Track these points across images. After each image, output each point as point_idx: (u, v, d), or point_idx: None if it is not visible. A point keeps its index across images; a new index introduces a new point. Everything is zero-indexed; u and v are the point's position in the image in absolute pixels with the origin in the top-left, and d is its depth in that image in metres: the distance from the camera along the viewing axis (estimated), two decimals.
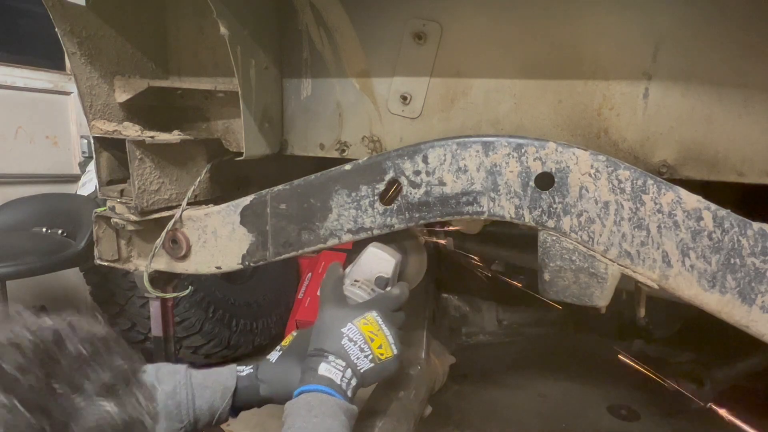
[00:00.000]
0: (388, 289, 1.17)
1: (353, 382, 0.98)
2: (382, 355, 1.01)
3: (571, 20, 1.14)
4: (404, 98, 1.29)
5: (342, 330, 1.01)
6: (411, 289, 1.18)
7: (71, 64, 1.28)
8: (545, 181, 0.98)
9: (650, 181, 0.92)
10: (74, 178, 3.79)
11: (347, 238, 1.15)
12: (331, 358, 0.98)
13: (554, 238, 0.98)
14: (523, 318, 2.45)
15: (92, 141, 1.34)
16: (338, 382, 0.96)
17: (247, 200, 1.24)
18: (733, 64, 1.04)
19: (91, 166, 3.21)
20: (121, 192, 1.31)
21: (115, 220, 1.33)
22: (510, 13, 1.18)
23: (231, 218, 1.26)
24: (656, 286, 0.93)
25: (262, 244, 1.24)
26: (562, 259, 0.98)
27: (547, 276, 1.00)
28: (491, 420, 2.56)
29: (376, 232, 1.12)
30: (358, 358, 0.99)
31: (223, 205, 1.28)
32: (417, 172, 1.06)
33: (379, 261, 1.20)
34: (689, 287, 0.91)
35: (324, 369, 0.97)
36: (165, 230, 1.30)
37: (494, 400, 2.73)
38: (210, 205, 1.32)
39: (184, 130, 1.43)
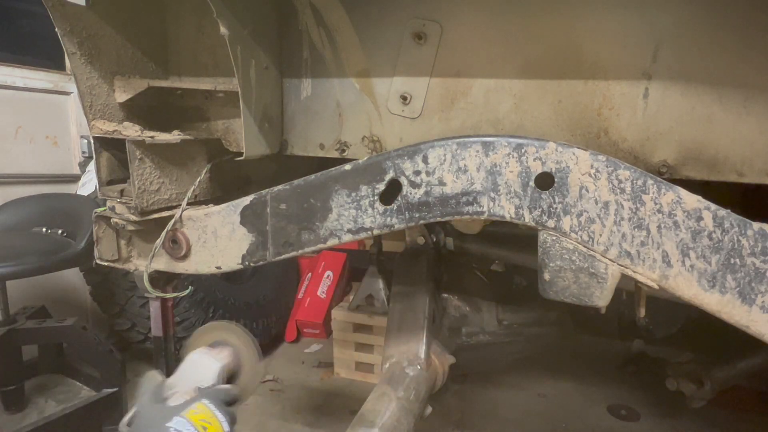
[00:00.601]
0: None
1: None
2: None
3: (571, 20, 1.14)
4: (404, 98, 1.29)
5: (168, 425, 0.91)
6: (244, 396, 1.13)
7: (71, 64, 1.28)
8: (545, 181, 0.98)
9: (650, 181, 0.92)
10: (74, 178, 3.79)
11: (347, 238, 1.15)
12: None
13: (554, 238, 0.98)
14: (523, 318, 2.45)
15: (92, 141, 1.34)
16: None
17: (247, 200, 1.24)
18: (733, 64, 1.04)
19: (91, 166, 3.21)
20: (121, 192, 1.31)
21: (115, 220, 1.33)
22: (510, 13, 1.18)
23: (231, 218, 1.26)
24: (656, 286, 0.93)
25: (262, 244, 1.24)
26: (562, 259, 0.98)
27: (547, 276, 1.00)
28: (491, 420, 2.56)
29: (376, 231, 1.12)
30: None
31: (223, 205, 1.28)
32: (417, 172, 1.06)
33: (198, 369, 1.12)
34: (689, 287, 0.91)
35: None
36: (165, 230, 1.30)
37: (494, 400, 2.73)
38: (210, 205, 1.32)
39: (184, 130, 1.43)
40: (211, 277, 2.86)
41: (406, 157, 1.07)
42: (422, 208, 1.07)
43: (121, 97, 1.37)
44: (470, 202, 1.03)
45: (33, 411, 2.56)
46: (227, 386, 1.07)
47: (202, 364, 1.12)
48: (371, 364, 2.97)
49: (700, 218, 0.90)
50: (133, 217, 1.29)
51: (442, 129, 1.28)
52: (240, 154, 1.29)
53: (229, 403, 1.03)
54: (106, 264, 1.42)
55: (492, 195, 1.01)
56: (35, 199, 3.21)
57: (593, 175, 0.94)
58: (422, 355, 1.57)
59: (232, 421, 0.98)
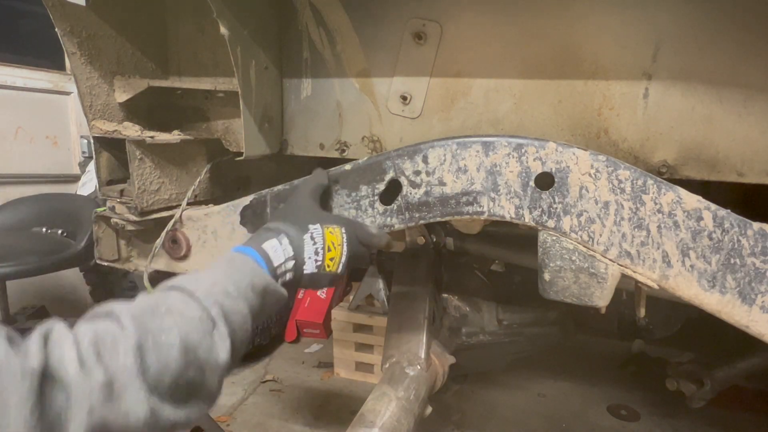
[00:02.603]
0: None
1: (288, 276, 0.94)
2: (328, 267, 0.99)
3: (571, 20, 1.14)
4: (404, 98, 1.29)
5: (309, 225, 0.98)
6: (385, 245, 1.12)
7: (71, 64, 1.28)
8: (545, 181, 0.98)
9: (650, 181, 0.92)
10: (74, 178, 3.79)
11: None
12: (284, 240, 0.94)
13: (554, 238, 0.98)
14: (523, 318, 2.45)
15: (92, 141, 1.34)
16: (275, 264, 0.91)
17: (246, 200, 1.24)
18: (733, 64, 1.04)
19: (91, 166, 3.21)
20: (121, 192, 1.31)
21: (115, 220, 1.33)
22: (510, 13, 1.18)
23: (231, 218, 1.26)
24: (656, 286, 0.94)
25: None
26: (562, 259, 0.98)
27: (547, 276, 1.00)
28: (491, 420, 2.56)
29: None
30: (309, 258, 0.96)
31: (223, 205, 1.28)
32: (417, 172, 1.06)
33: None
34: (689, 287, 0.91)
35: (270, 246, 0.93)
36: (165, 230, 1.30)
37: (494, 400, 2.73)
38: (210, 205, 1.32)
39: (184, 130, 1.43)
40: None
41: (406, 157, 1.07)
42: (422, 208, 1.07)
43: (121, 97, 1.37)
44: (470, 202, 1.03)
45: None
46: (379, 231, 1.08)
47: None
48: (371, 364, 2.97)
49: (700, 218, 0.90)
50: (133, 217, 1.29)
51: (442, 129, 1.28)
52: (240, 154, 1.29)
53: (364, 244, 1.05)
54: (106, 264, 1.42)
55: (492, 195, 1.01)
56: (35, 199, 3.21)
57: (593, 175, 0.94)
58: (422, 355, 1.57)
59: (349, 260, 1.01)
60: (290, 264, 0.94)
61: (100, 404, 0.59)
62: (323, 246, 0.97)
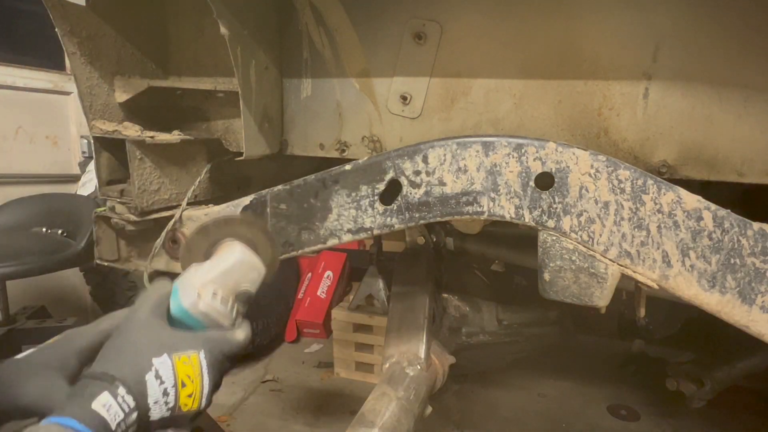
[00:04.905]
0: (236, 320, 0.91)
1: (131, 430, 0.74)
2: (185, 406, 0.80)
3: (571, 20, 1.14)
4: (404, 98, 1.29)
5: (154, 359, 0.77)
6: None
7: (71, 64, 1.28)
8: (545, 181, 0.98)
9: (650, 181, 0.92)
10: (74, 178, 3.79)
11: (347, 238, 1.15)
12: (120, 390, 0.73)
13: (554, 238, 0.98)
14: (523, 318, 2.45)
15: (92, 141, 1.34)
16: (113, 427, 0.71)
17: (247, 200, 1.24)
18: (733, 64, 1.04)
19: (91, 166, 3.22)
20: (121, 192, 1.31)
21: (115, 220, 1.33)
22: (510, 13, 1.18)
23: None
24: (656, 286, 0.93)
25: None
26: (562, 259, 0.98)
27: (547, 276, 1.00)
28: (491, 420, 2.56)
29: (376, 232, 1.12)
30: (155, 403, 0.77)
31: (223, 205, 1.28)
32: (417, 172, 1.06)
33: (249, 270, 0.93)
34: (689, 287, 0.91)
35: (102, 403, 0.71)
36: (165, 230, 1.30)
37: (494, 400, 2.73)
38: (210, 205, 1.32)
39: (184, 130, 1.43)
40: None
41: (406, 157, 1.07)
42: (422, 208, 1.07)
43: (121, 97, 1.37)
44: (470, 202, 1.03)
45: None
46: (240, 338, 0.87)
47: (253, 264, 0.94)
48: (371, 364, 2.97)
49: (700, 218, 0.90)
50: (133, 217, 1.29)
51: (442, 129, 1.28)
52: (240, 154, 1.29)
53: (229, 357, 0.86)
54: (106, 264, 1.42)
55: (492, 195, 1.01)
56: (35, 199, 3.21)
57: (593, 175, 0.94)
58: (422, 355, 1.57)
59: (216, 386, 0.83)
60: (132, 418, 0.74)
61: None
62: (174, 383, 0.78)
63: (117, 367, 0.75)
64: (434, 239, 2.07)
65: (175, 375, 0.78)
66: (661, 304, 1.68)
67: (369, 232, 1.13)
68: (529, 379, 2.90)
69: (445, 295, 2.18)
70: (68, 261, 2.69)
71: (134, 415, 0.73)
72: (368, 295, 3.00)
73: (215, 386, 0.82)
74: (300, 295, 3.63)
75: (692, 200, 0.90)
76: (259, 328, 3.13)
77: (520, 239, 1.98)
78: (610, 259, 0.95)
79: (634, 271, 0.94)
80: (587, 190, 0.95)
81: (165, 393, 0.77)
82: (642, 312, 1.10)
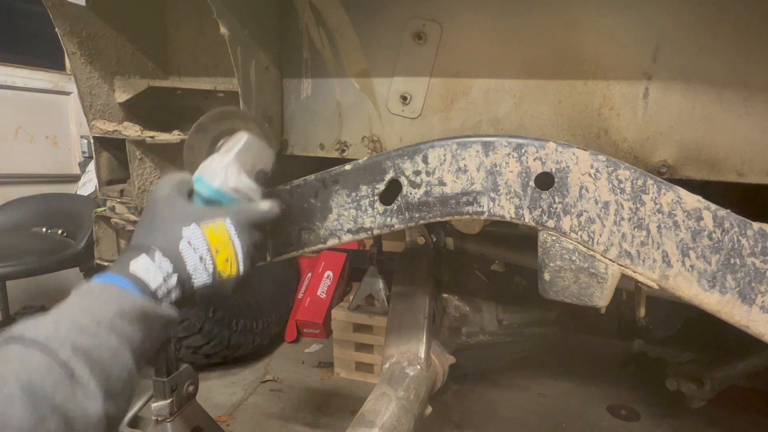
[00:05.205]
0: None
1: (174, 294, 0.79)
2: (224, 271, 0.83)
3: (571, 20, 1.14)
4: (404, 98, 1.29)
5: (183, 229, 0.81)
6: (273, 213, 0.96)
7: (71, 64, 1.28)
8: (545, 181, 0.98)
9: (650, 181, 0.92)
10: (74, 178, 3.80)
11: (347, 238, 1.15)
12: (156, 255, 0.78)
13: (554, 238, 0.98)
14: (523, 318, 2.46)
15: (92, 141, 1.34)
16: (153, 287, 0.76)
17: None
18: (733, 64, 1.04)
19: (91, 166, 3.22)
20: (121, 192, 1.31)
21: (115, 220, 1.33)
22: (510, 13, 1.18)
23: None
24: (656, 286, 0.93)
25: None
26: (562, 259, 0.98)
27: (547, 276, 1.00)
28: (491, 420, 2.56)
29: (376, 231, 1.12)
30: (195, 269, 0.80)
31: None
32: (417, 172, 1.06)
33: (262, 150, 0.99)
34: (689, 287, 0.91)
35: (140, 266, 0.76)
36: None
37: (494, 400, 2.73)
38: None
39: (184, 130, 1.43)
40: None
41: (406, 157, 1.07)
42: (422, 208, 1.07)
43: (121, 97, 1.37)
44: (470, 202, 1.03)
45: None
46: (264, 207, 0.92)
47: (263, 147, 0.99)
48: (371, 364, 2.97)
49: (700, 218, 0.90)
50: (133, 217, 1.29)
51: (442, 129, 1.28)
52: None
53: (256, 226, 0.89)
54: (106, 264, 1.42)
55: (492, 195, 1.01)
56: (35, 199, 3.22)
57: (593, 175, 0.94)
58: (422, 355, 1.57)
59: (248, 254, 0.86)
60: (173, 281, 0.78)
61: None
62: (207, 249, 0.82)
63: (151, 239, 0.79)
64: (434, 239, 2.08)
65: (207, 241, 0.81)
66: (661, 304, 1.69)
67: (369, 232, 1.13)
68: (529, 379, 2.90)
69: (445, 295, 2.19)
70: (68, 261, 2.69)
71: (174, 278, 0.78)
72: (368, 295, 3.00)
73: (248, 253, 0.85)
74: (300, 295, 3.63)
75: (692, 200, 0.90)
76: (259, 328, 3.14)
77: (520, 239, 1.98)
78: (610, 259, 0.95)
79: (634, 271, 0.94)
80: (587, 190, 0.95)
81: (201, 259, 0.80)
82: (642, 312, 1.10)
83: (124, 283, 0.73)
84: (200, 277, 0.81)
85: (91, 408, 0.60)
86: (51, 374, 0.58)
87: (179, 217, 0.83)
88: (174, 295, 0.79)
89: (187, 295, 0.81)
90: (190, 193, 0.90)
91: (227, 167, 0.92)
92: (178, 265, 0.79)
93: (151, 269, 0.76)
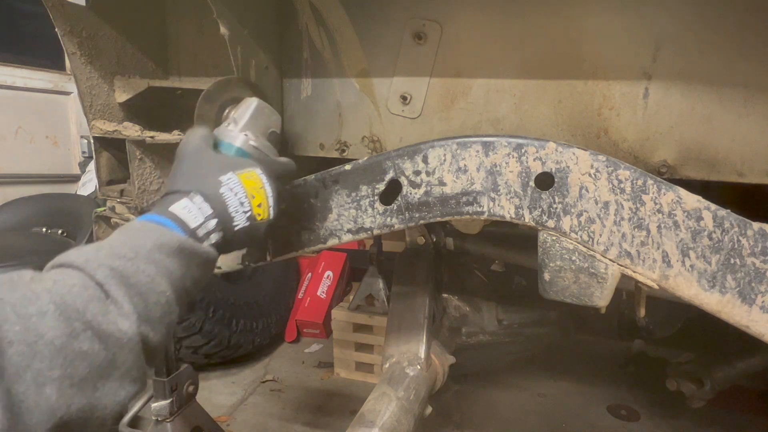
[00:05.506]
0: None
1: (215, 237, 0.82)
2: (259, 215, 0.89)
3: (571, 20, 1.14)
4: (404, 98, 1.29)
5: (221, 178, 0.85)
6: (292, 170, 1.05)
7: (71, 64, 1.28)
8: (545, 181, 0.98)
9: (650, 181, 0.92)
10: (74, 178, 3.80)
11: (347, 238, 1.15)
12: (197, 198, 0.81)
13: (554, 238, 0.98)
14: (523, 318, 2.46)
15: (92, 141, 1.34)
16: (192, 226, 0.78)
17: None
18: (733, 64, 1.04)
19: (91, 166, 3.22)
20: (121, 192, 1.31)
21: (115, 220, 1.33)
22: (510, 13, 1.18)
23: None
24: (656, 286, 0.94)
25: None
26: (562, 259, 0.98)
27: (547, 276, 1.00)
28: (491, 420, 2.56)
29: (376, 231, 1.12)
30: (236, 212, 0.85)
31: None
32: (417, 172, 1.06)
33: (271, 113, 1.06)
34: (689, 287, 0.91)
35: (179, 206, 0.79)
36: None
37: (494, 400, 2.73)
38: None
39: (184, 130, 1.43)
40: (211, 277, 2.86)
41: (406, 157, 1.07)
42: (422, 208, 1.07)
43: (121, 97, 1.37)
44: (470, 202, 1.03)
45: None
46: (284, 159, 1.01)
47: (269, 108, 1.06)
48: (371, 364, 2.97)
49: (700, 218, 0.90)
50: (133, 217, 1.29)
51: (442, 129, 1.28)
52: None
53: (279, 178, 0.97)
54: None
55: (492, 195, 1.01)
56: (35, 199, 3.22)
57: (593, 175, 0.94)
58: (422, 355, 1.57)
59: (277, 199, 0.92)
60: (212, 223, 0.82)
61: None
62: (245, 194, 0.87)
63: (189, 185, 0.83)
64: (434, 239, 2.07)
65: (244, 187, 0.87)
66: (661, 304, 1.68)
67: (369, 232, 1.13)
68: (529, 379, 2.90)
69: (445, 295, 2.19)
70: None
71: (213, 222, 0.81)
72: (368, 295, 3.00)
73: (276, 200, 0.93)
74: (300, 295, 3.63)
75: (692, 200, 0.90)
76: (259, 328, 3.14)
77: (520, 239, 1.98)
78: (610, 259, 0.95)
79: (634, 271, 0.94)
80: (587, 190, 0.95)
81: (240, 203, 0.86)
82: (642, 312, 1.10)
83: (164, 221, 0.76)
84: (240, 220, 0.86)
85: (124, 327, 0.61)
86: (85, 291, 0.60)
87: (216, 165, 0.87)
88: (215, 238, 0.82)
89: (228, 238, 0.85)
90: (215, 148, 0.96)
91: (244, 129, 0.99)
92: (219, 209, 0.83)
93: (191, 210, 0.80)
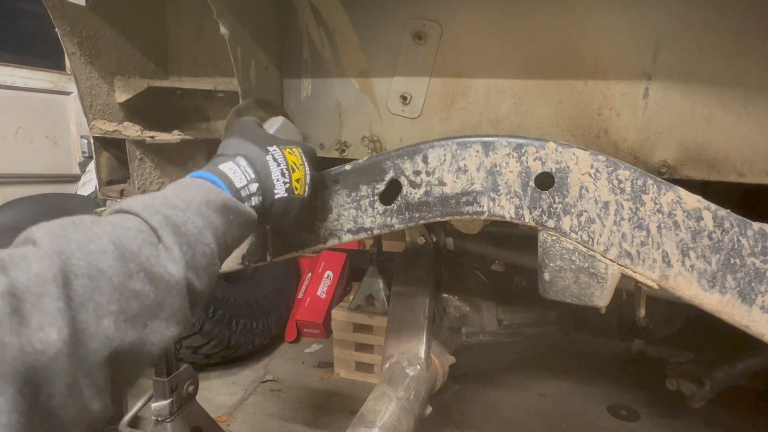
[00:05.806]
0: None
1: (255, 200, 0.87)
2: (296, 189, 0.94)
3: (571, 20, 1.14)
4: (404, 98, 1.29)
5: (268, 147, 0.92)
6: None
7: (71, 64, 1.28)
8: (545, 181, 0.98)
9: (650, 181, 0.92)
10: (74, 178, 3.80)
11: (347, 238, 1.15)
12: (242, 162, 0.87)
13: (554, 238, 0.98)
14: (523, 318, 2.45)
15: (92, 141, 1.34)
16: (237, 185, 0.84)
17: None
18: (733, 64, 1.04)
19: (91, 166, 3.22)
20: (121, 192, 1.31)
21: None
22: (510, 13, 1.18)
23: None
24: (656, 286, 0.93)
25: (262, 244, 1.24)
26: (562, 259, 0.98)
27: (547, 276, 1.00)
28: (491, 420, 2.56)
29: (376, 231, 1.12)
30: (277, 180, 0.90)
31: None
32: (417, 172, 1.06)
33: (295, 132, 1.16)
34: (689, 287, 0.91)
35: (227, 167, 0.85)
36: None
37: (494, 400, 2.73)
38: None
39: (184, 130, 1.43)
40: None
41: (406, 157, 1.07)
42: (422, 208, 1.07)
43: (121, 97, 1.37)
44: (470, 202, 1.03)
45: None
46: (314, 148, 1.07)
47: (292, 126, 1.15)
48: (371, 364, 2.97)
49: (700, 218, 0.90)
50: None
51: (442, 129, 1.28)
52: None
53: (314, 162, 1.03)
54: None
55: (492, 195, 1.01)
56: (35, 199, 3.22)
57: (593, 175, 0.94)
58: (422, 355, 1.57)
59: (312, 179, 0.99)
60: (254, 187, 0.87)
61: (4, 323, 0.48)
62: (287, 166, 0.92)
63: (237, 150, 0.89)
64: (434, 239, 2.07)
65: (287, 160, 0.93)
66: (661, 304, 1.69)
67: (369, 232, 1.13)
68: (529, 379, 2.90)
69: (445, 295, 2.18)
70: None
71: (255, 185, 0.87)
72: (368, 295, 3.00)
73: (312, 179, 0.98)
74: (300, 295, 3.63)
75: (692, 200, 0.90)
76: (259, 328, 3.14)
77: (520, 239, 1.98)
78: (610, 259, 0.95)
79: (634, 271, 0.94)
80: (587, 190, 0.95)
81: (282, 174, 0.91)
82: (642, 312, 1.10)
83: (213, 178, 0.82)
84: (280, 189, 0.91)
85: (173, 270, 0.66)
86: (140, 235, 0.65)
87: (263, 138, 0.94)
88: (255, 201, 0.88)
89: (267, 206, 0.90)
90: None
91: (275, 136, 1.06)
92: (263, 175, 0.89)
93: (237, 171, 0.85)
